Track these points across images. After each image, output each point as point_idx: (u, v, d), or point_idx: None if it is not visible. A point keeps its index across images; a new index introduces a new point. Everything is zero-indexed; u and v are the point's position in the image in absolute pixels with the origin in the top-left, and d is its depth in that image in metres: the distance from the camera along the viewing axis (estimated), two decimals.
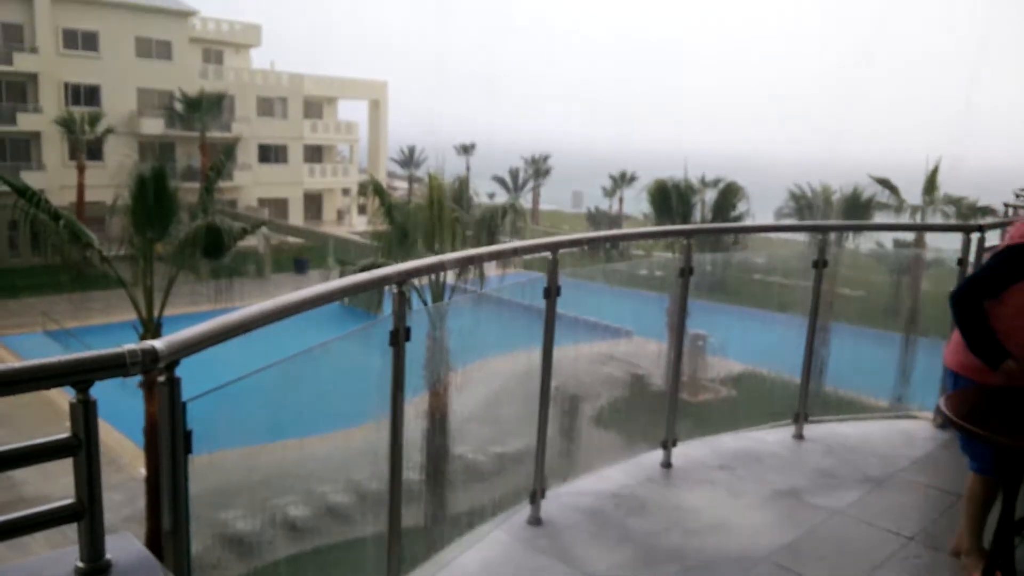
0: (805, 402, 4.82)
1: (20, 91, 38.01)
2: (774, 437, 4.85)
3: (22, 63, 37.07)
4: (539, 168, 57.46)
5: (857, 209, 28.24)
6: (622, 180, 53.28)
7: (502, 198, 43.03)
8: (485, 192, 44.95)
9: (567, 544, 3.54)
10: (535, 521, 3.67)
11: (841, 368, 5.79)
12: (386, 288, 2.86)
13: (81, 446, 1.58)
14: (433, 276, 14.83)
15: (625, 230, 33.99)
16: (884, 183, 28.56)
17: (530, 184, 57.44)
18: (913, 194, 28.51)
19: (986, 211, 26.85)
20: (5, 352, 25.16)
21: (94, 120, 37.42)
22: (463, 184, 19.99)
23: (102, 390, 1.62)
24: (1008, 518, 2.69)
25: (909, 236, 21.80)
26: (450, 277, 15.83)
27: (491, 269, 16.13)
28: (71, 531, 1.66)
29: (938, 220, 27.09)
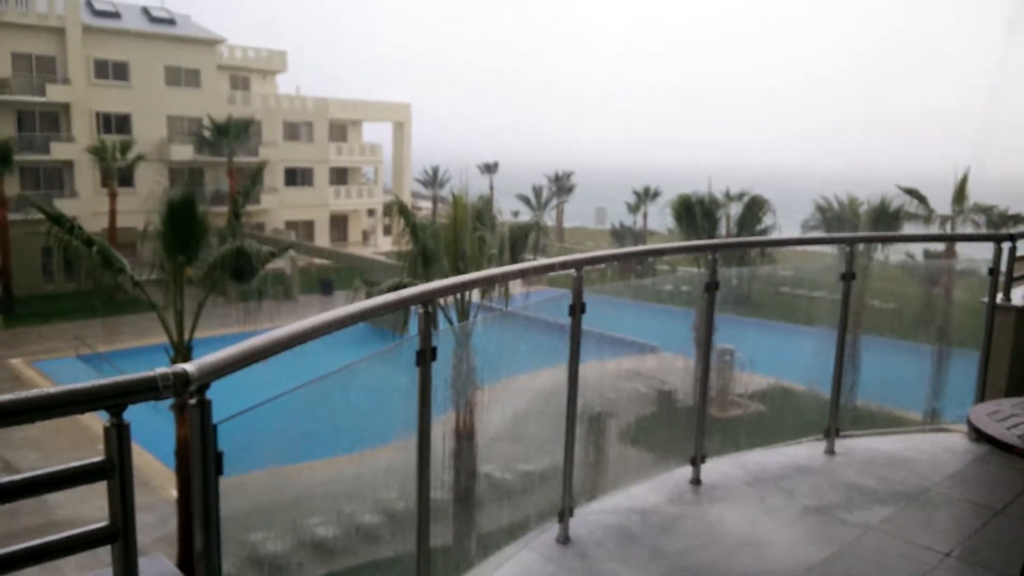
0: (836, 416, 4.76)
1: (53, 121, 38.92)
2: (805, 452, 4.79)
3: (55, 94, 37.96)
4: (562, 185, 57.53)
5: (885, 220, 27.89)
6: (646, 195, 53.15)
7: (526, 216, 43.15)
8: (509, 210, 45.12)
9: (596, 563, 3.52)
10: (564, 540, 3.65)
11: (872, 381, 5.71)
12: (412, 308, 2.88)
13: (115, 469, 1.61)
14: (458, 295, 14.88)
15: (650, 246, 33.87)
16: (912, 193, 28.19)
17: (554, 201, 57.50)
18: (942, 204, 28.11)
19: (1018, 219, 26.40)
20: (39, 377, 25.58)
21: (125, 148, 38.20)
22: (487, 203, 20.06)
23: (133, 412, 1.65)
24: None
25: (940, 246, 21.48)
26: (475, 296, 15.86)
27: (516, 287, 16.15)
28: (103, 553, 1.68)
29: (968, 230, 26.67)
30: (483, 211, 18.85)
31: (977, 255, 5.43)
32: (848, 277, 4.62)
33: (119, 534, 1.64)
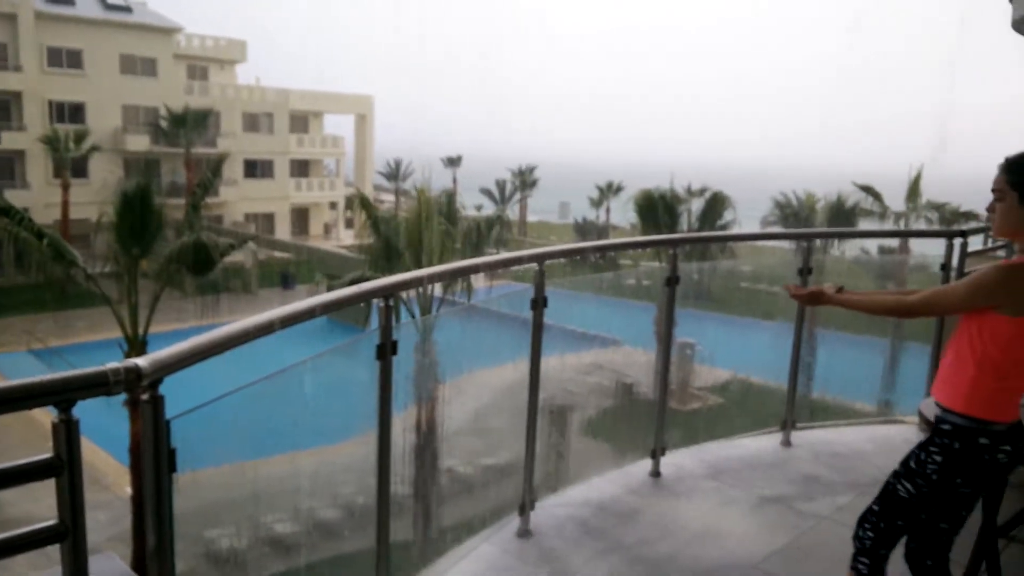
0: (792, 409, 4.84)
1: (4, 109, 37.80)
2: (762, 444, 4.87)
3: (6, 81, 36.88)
4: (526, 180, 57.57)
5: (841, 216, 28.46)
6: (609, 190, 53.46)
7: (489, 210, 43.09)
8: (472, 204, 45.00)
9: (556, 555, 3.53)
10: (524, 533, 3.66)
11: (828, 374, 5.82)
12: (373, 301, 2.86)
13: (64, 466, 1.57)
14: (420, 289, 14.82)
15: (611, 240, 34.03)
16: (868, 190, 28.81)
17: (517, 196, 57.53)
18: (897, 201, 28.75)
19: (969, 216, 27.10)
20: None
21: (79, 138, 37.26)
22: (450, 197, 20.02)
23: (89, 409, 1.61)
24: (991, 522, 2.70)
25: (894, 242, 21.96)
26: (438, 289, 15.82)
27: (479, 281, 16.14)
28: (55, 552, 1.64)
29: (922, 226, 27.29)
30: (446, 205, 18.80)
31: (930, 251, 5.56)
32: (805, 272, 4.69)
33: (68, 532, 1.60)
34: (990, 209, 2.37)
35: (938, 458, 2.39)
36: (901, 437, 4.99)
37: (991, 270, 2.29)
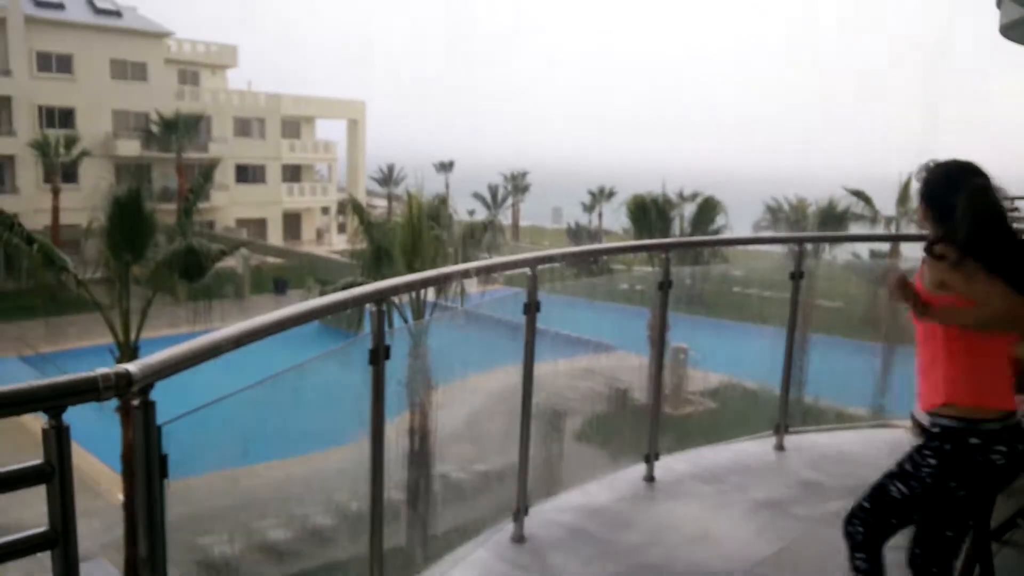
0: (786, 413, 4.85)
1: None
2: (755, 449, 4.87)
3: None
4: (518, 184, 57.64)
5: (833, 221, 28.58)
6: (601, 195, 53.55)
7: (482, 215, 43.09)
8: (465, 209, 45.01)
9: (551, 561, 3.52)
10: (518, 539, 3.65)
11: (820, 379, 5.83)
12: (366, 306, 2.85)
13: (54, 473, 1.55)
14: (413, 294, 14.80)
15: (604, 245, 34.11)
16: (859, 195, 28.95)
17: (509, 201, 57.57)
18: (887, 205, 28.90)
19: None
20: None
21: (69, 143, 37.09)
22: (442, 202, 20.00)
23: (80, 415, 1.60)
24: (984, 526, 2.70)
25: (885, 247, 22.07)
26: (430, 294, 15.80)
27: (472, 286, 16.13)
28: (47, 559, 1.63)
29: (912, 230, 27.43)
30: (438, 210, 18.79)
31: (920, 255, 5.57)
32: (797, 276, 4.70)
33: (59, 539, 1.58)
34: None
35: (932, 461, 2.40)
36: (895, 441, 5.00)
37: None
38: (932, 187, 2.46)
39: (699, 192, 28.25)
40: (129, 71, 41.33)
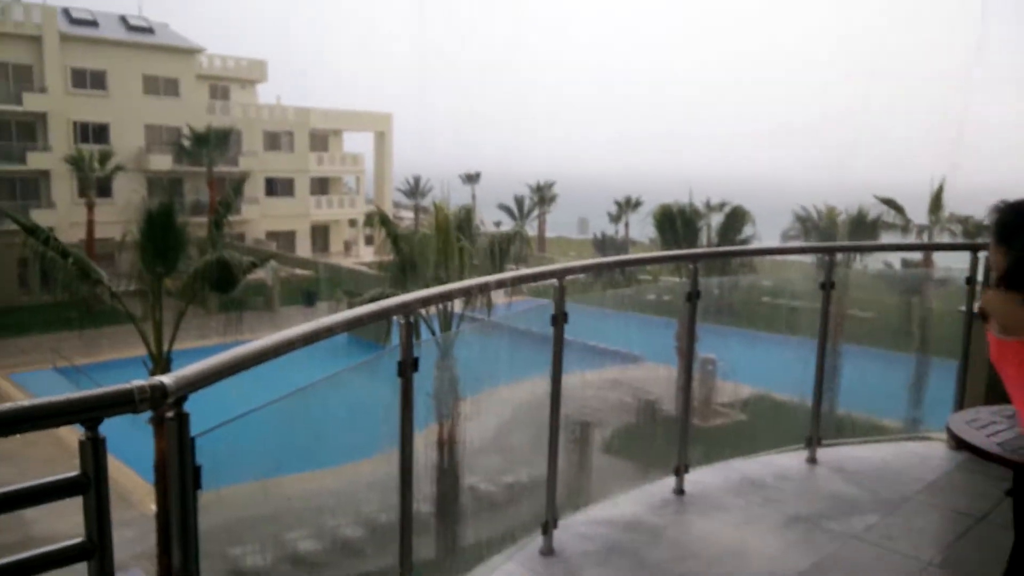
0: (818, 425, 4.78)
1: (30, 130, 38.51)
2: (787, 462, 4.81)
3: (31, 103, 37.58)
4: (544, 195, 57.68)
5: (863, 230, 28.21)
6: (627, 205, 53.42)
7: (508, 226, 43.16)
8: (491, 220, 45.15)
9: (581, 575, 3.50)
10: (547, 552, 3.63)
11: (853, 390, 5.75)
12: (394, 318, 2.86)
13: (90, 484, 1.58)
14: (440, 305, 14.85)
15: (631, 255, 33.98)
16: (889, 203, 28.55)
17: (536, 212, 57.63)
18: (919, 213, 28.48)
19: None
20: (15, 390, 25.20)
21: (103, 157, 37.82)
22: (468, 213, 20.06)
23: (114, 426, 1.62)
24: (1022, 549, 2.64)
25: (917, 256, 21.74)
26: (457, 306, 15.84)
27: (498, 297, 16.14)
28: (81, 569, 1.65)
29: (945, 239, 27.01)
30: (465, 221, 18.85)
31: (954, 264, 5.49)
32: (828, 286, 4.65)
33: (95, 550, 1.60)
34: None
35: None
36: (929, 454, 4.91)
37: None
38: (1006, 226, 2.54)
39: (727, 201, 28.06)
40: (161, 87, 42.09)
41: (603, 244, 52.85)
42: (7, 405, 1.49)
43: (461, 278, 16.25)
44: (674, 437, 4.37)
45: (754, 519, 4.05)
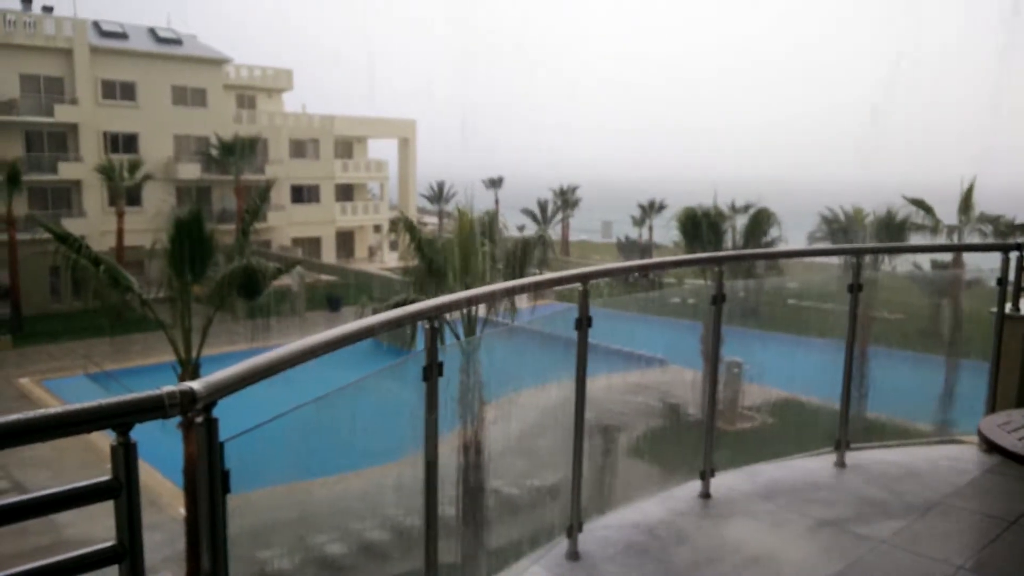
0: (846, 429, 4.73)
1: (61, 141, 39.22)
2: (815, 465, 4.76)
3: (63, 114, 38.29)
4: (568, 199, 57.64)
5: (891, 231, 27.82)
6: (651, 209, 53.22)
7: (532, 230, 43.18)
8: (515, 225, 45.18)
9: None
10: (573, 556, 3.62)
11: (882, 393, 5.67)
12: (418, 323, 2.88)
13: (122, 488, 1.60)
14: (465, 310, 14.88)
15: (655, 259, 33.83)
16: (918, 203, 28.14)
17: (559, 216, 57.59)
18: (948, 214, 28.03)
19: None
20: (48, 396, 25.63)
21: (133, 167, 38.44)
22: (492, 217, 20.09)
23: (143, 430, 1.65)
24: None
25: (947, 257, 21.41)
26: (481, 310, 15.86)
27: (522, 301, 16.14)
28: (112, 572, 1.67)
29: (975, 239, 26.56)
30: (488, 226, 18.88)
31: (985, 265, 5.40)
32: (855, 288, 4.60)
33: (126, 554, 1.63)
34: None
35: None
36: (960, 457, 4.84)
37: None
38: None
39: (751, 204, 27.83)
40: (189, 97, 42.68)
41: (627, 247, 52.67)
42: (41, 411, 1.52)
43: (485, 283, 16.29)
44: (699, 441, 4.35)
45: (781, 523, 4.01)
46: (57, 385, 26.52)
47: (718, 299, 4.18)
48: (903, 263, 16.66)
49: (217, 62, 44.17)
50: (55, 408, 1.55)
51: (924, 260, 20.16)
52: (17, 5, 39.37)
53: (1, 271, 35.07)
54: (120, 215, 37.39)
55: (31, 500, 1.56)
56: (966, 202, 27.57)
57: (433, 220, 57.42)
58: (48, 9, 40.07)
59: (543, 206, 56.69)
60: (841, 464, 4.71)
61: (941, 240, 28.11)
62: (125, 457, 1.60)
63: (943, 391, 5.95)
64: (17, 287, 34.03)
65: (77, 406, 1.56)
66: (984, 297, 5.47)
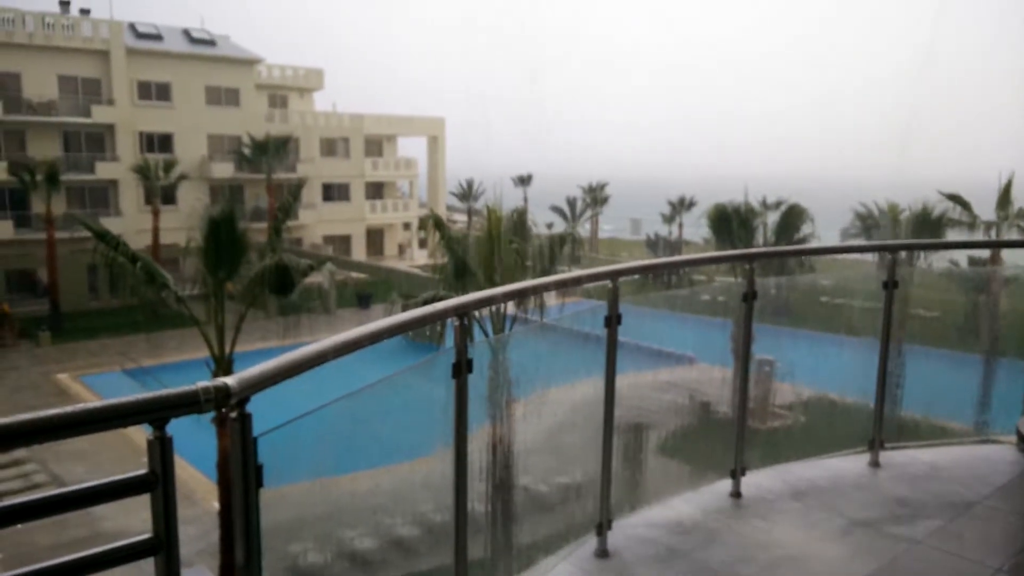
0: (880, 428, 4.66)
1: (98, 141, 39.95)
2: (848, 465, 4.70)
3: (100, 115, 38.99)
4: (596, 196, 57.40)
5: (927, 227, 27.31)
6: (681, 206, 52.80)
7: (560, 228, 43.12)
8: (543, 222, 45.12)
9: None
10: (602, 553, 3.62)
11: (917, 392, 5.58)
12: (448, 320, 2.89)
13: (158, 482, 1.64)
14: (494, 307, 14.90)
15: (685, 256, 33.57)
16: (955, 199, 27.59)
17: (588, 213, 57.40)
18: (986, 210, 27.46)
19: None
20: (86, 391, 26.16)
21: (168, 166, 39.05)
22: (521, 215, 20.07)
23: (178, 425, 1.68)
24: None
25: (984, 253, 20.97)
26: (510, 307, 15.87)
27: (551, 298, 16.12)
28: (147, 565, 1.71)
29: (1014, 235, 26.01)
30: (517, 223, 18.87)
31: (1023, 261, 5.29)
32: (890, 285, 4.54)
33: (162, 546, 1.66)
34: None
35: None
36: (998, 457, 4.75)
37: None
38: None
39: (783, 200, 27.52)
40: (223, 97, 43.24)
41: (656, 245, 52.36)
42: (79, 406, 1.55)
43: (514, 280, 16.28)
44: (730, 439, 4.31)
45: (813, 523, 3.97)
46: (94, 381, 27.05)
47: (749, 296, 4.14)
48: (940, 260, 16.35)
49: (249, 62, 44.68)
50: (94, 403, 1.59)
51: (961, 256, 19.77)
52: (55, 8, 40.17)
53: (40, 269, 35.87)
54: (155, 214, 37.99)
55: (70, 493, 1.59)
56: (1004, 197, 26.99)
57: (462, 218, 57.54)
58: (85, 11, 40.83)
59: (572, 203, 56.54)
60: (875, 464, 4.65)
61: (978, 236, 27.54)
62: (161, 451, 1.63)
63: (980, 390, 5.84)
64: (56, 285, 34.76)
65: (115, 401, 1.59)
66: (1023, 294, 5.36)
